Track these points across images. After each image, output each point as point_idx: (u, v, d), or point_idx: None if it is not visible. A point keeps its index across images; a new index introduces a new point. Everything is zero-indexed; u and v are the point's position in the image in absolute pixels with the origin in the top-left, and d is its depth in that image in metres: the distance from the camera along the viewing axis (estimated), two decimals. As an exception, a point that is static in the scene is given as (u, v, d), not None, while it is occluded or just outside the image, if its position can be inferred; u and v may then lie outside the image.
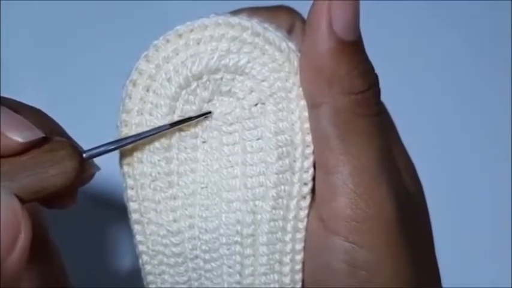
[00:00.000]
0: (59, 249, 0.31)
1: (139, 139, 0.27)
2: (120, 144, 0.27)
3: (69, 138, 0.28)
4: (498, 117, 0.59)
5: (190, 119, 0.27)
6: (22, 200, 0.24)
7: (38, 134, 0.25)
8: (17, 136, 0.24)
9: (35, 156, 0.25)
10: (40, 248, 0.26)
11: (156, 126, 0.27)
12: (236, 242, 0.28)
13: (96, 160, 0.28)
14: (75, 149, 0.26)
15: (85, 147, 0.28)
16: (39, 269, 0.27)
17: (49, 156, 0.25)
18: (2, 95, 0.27)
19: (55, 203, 0.27)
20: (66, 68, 0.56)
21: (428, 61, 0.60)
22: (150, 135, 0.27)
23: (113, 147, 0.27)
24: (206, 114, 0.28)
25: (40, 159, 0.25)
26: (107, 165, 0.28)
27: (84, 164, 0.26)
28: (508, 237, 0.56)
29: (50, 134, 0.26)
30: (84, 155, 0.26)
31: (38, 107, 0.28)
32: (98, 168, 0.28)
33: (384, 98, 0.28)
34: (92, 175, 0.28)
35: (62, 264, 0.31)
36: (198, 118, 0.28)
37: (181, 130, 0.28)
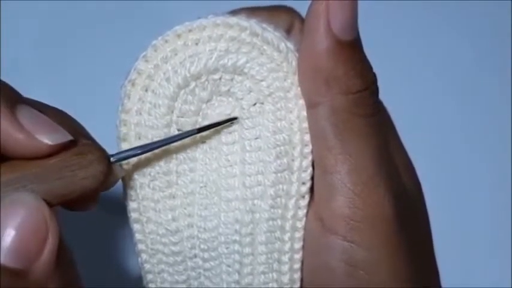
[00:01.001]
0: (70, 249, 0.31)
1: (165, 144, 0.27)
2: (147, 148, 0.27)
3: (94, 141, 0.28)
4: (498, 117, 0.59)
5: (217, 124, 0.28)
6: (49, 203, 0.24)
7: (66, 136, 0.25)
8: (46, 138, 0.24)
9: (63, 159, 0.25)
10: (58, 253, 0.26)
11: (155, 126, 0.27)
12: (235, 241, 0.28)
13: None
14: (102, 152, 0.26)
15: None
16: (57, 272, 0.26)
17: (77, 159, 0.25)
18: (35, 100, 0.27)
19: (78, 205, 0.27)
20: (67, 68, 0.56)
21: (428, 61, 0.60)
22: (176, 140, 0.27)
23: (139, 151, 0.27)
24: (232, 120, 0.28)
25: (69, 163, 0.25)
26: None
27: (111, 168, 0.26)
28: (508, 237, 0.56)
29: (76, 136, 0.26)
30: (111, 158, 0.26)
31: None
32: (123, 173, 0.28)
33: (383, 97, 0.28)
34: (117, 179, 0.28)
35: (76, 271, 0.31)
36: (225, 124, 0.28)
37: (179, 130, 0.28)
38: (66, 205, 0.27)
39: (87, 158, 0.25)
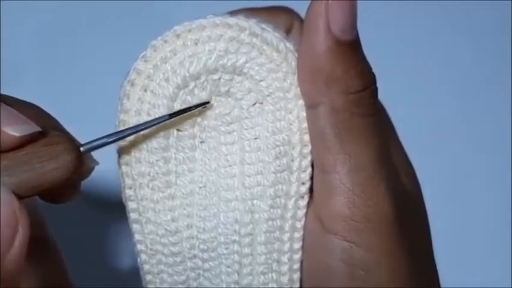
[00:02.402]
0: (58, 248, 0.31)
1: (137, 131, 0.27)
2: (118, 136, 0.27)
3: (66, 132, 0.27)
4: (498, 117, 0.59)
5: (189, 109, 0.27)
6: (20, 196, 0.24)
7: (34, 128, 0.25)
8: (13, 130, 0.24)
9: (32, 151, 0.25)
10: (37, 246, 0.26)
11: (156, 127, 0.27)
12: (234, 241, 0.28)
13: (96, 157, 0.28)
14: (72, 142, 0.26)
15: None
16: (37, 268, 0.27)
17: (46, 150, 0.25)
18: (2, 94, 0.27)
19: (56, 197, 0.27)
20: (66, 68, 0.56)
21: (428, 61, 0.60)
22: (148, 126, 0.27)
23: (110, 139, 0.27)
24: (204, 104, 0.28)
25: (37, 154, 0.25)
26: (104, 165, 0.28)
27: (82, 158, 0.26)
28: (508, 237, 0.56)
29: (46, 128, 0.26)
30: (81, 148, 0.26)
31: (39, 105, 0.28)
32: (97, 163, 0.28)
33: (382, 97, 0.28)
34: (91, 169, 0.28)
35: (62, 264, 0.31)
36: (197, 108, 0.27)
37: (179, 130, 0.28)
38: (45, 197, 0.27)
39: (56, 149, 0.25)
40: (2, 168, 0.24)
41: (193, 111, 0.27)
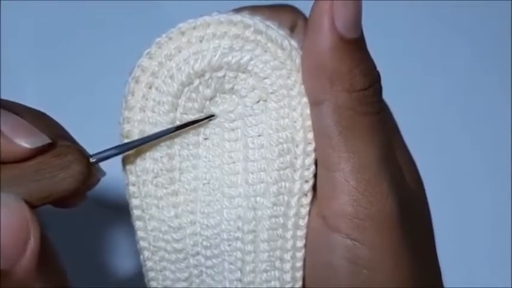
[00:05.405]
0: (56, 248, 0.31)
1: (144, 143, 0.27)
2: (126, 147, 0.27)
3: (74, 141, 0.28)
4: (498, 118, 0.60)
5: (195, 122, 0.28)
6: (31, 205, 0.25)
7: (45, 139, 0.25)
8: (25, 142, 0.25)
9: (42, 161, 0.25)
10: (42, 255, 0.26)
11: (159, 124, 0.27)
12: (237, 238, 0.28)
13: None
14: (81, 153, 0.26)
15: (87, 145, 0.28)
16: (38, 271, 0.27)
17: (56, 161, 0.25)
18: (2, 94, 0.27)
19: (64, 203, 0.28)
20: (68, 67, 0.56)
21: (429, 60, 0.60)
22: (155, 138, 0.27)
23: (118, 151, 0.27)
24: (210, 117, 0.28)
25: (48, 164, 0.25)
26: (106, 164, 0.28)
27: (90, 168, 0.26)
28: (508, 237, 0.56)
29: (55, 138, 0.26)
30: (90, 159, 0.26)
31: (39, 106, 0.28)
32: (104, 174, 0.28)
33: (385, 96, 0.28)
34: (98, 179, 0.28)
35: (60, 264, 0.31)
36: (203, 121, 0.28)
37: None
38: (52, 204, 0.27)
39: (66, 159, 0.25)
40: (13, 178, 0.25)
41: (199, 123, 0.28)
